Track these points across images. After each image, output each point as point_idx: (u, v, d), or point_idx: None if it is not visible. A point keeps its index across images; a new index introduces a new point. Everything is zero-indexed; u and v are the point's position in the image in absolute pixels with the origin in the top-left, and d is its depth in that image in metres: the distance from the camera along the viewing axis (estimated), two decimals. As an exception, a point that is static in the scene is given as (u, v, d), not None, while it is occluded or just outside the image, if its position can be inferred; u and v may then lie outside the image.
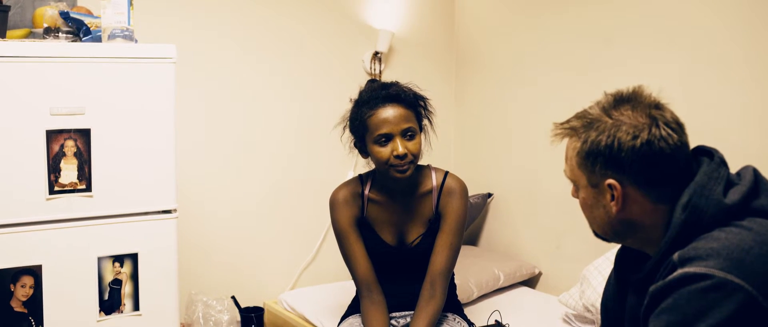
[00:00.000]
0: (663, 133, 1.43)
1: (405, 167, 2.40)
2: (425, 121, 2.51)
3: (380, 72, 3.77)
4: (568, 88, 3.36)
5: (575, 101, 2.95)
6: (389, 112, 2.38)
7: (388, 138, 2.39)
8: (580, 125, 1.51)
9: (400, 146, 2.38)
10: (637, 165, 1.43)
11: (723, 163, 1.49)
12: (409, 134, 2.40)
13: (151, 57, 2.45)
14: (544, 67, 3.53)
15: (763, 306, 1.29)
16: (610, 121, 1.46)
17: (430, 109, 2.52)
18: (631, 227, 1.51)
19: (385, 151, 2.39)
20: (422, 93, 2.51)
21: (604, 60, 3.21)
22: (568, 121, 1.55)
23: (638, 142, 1.42)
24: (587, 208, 1.56)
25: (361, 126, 2.44)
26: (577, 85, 3.31)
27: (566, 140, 1.57)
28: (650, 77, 2.97)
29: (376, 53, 3.74)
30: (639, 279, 1.51)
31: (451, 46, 4.06)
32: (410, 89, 2.47)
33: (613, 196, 1.47)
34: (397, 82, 2.49)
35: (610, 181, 1.46)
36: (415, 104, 2.45)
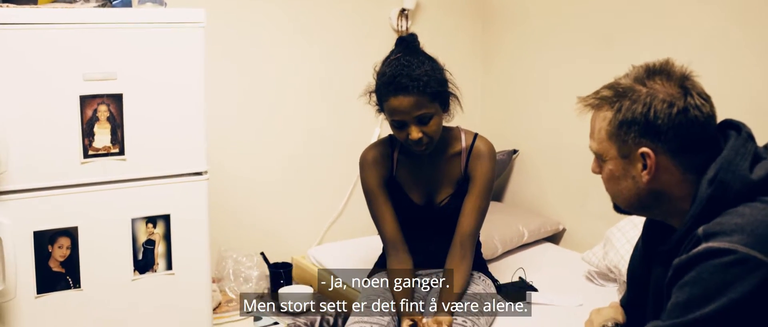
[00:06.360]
0: (697, 102, 1.46)
1: (423, 148, 2.42)
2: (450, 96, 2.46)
3: (407, 29, 3.75)
4: (594, 45, 3.34)
5: (600, 59, 2.91)
6: (400, 102, 2.34)
7: (402, 124, 2.39)
8: (611, 94, 1.52)
9: (413, 132, 2.37)
10: (672, 132, 1.45)
11: (750, 137, 1.50)
12: (425, 119, 2.37)
13: (180, 22, 2.46)
14: (572, 24, 3.49)
15: (785, 283, 1.31)
16: (645, 89, 1.47)
17: (448, 89, 2.44)
18: (658, 198, 1.53)
19: (401, 134, 2.41)
20: (438, 74, 2.39)
21: (631, 22, 3.16)
22: (597, 92, 1.56)
23: (675, 110, 1.45)
24: (613, 181, 1.58)
25: (380, 105, 2.46)
26: (602, 42, 3.28)
27: (590, 114, 1.57)
28: (681, 42, 2.95)
29: (402, 10, 3.72)
30: (665, 251, 1.53)
31: (479, 2, 4.03)
32: (424, 74, 2.34)
33: (645, 165, 1.49)
34: (410, 64, 2.35)
35: (644, 149, 1.48)
36: (427, 90, 2.35)
